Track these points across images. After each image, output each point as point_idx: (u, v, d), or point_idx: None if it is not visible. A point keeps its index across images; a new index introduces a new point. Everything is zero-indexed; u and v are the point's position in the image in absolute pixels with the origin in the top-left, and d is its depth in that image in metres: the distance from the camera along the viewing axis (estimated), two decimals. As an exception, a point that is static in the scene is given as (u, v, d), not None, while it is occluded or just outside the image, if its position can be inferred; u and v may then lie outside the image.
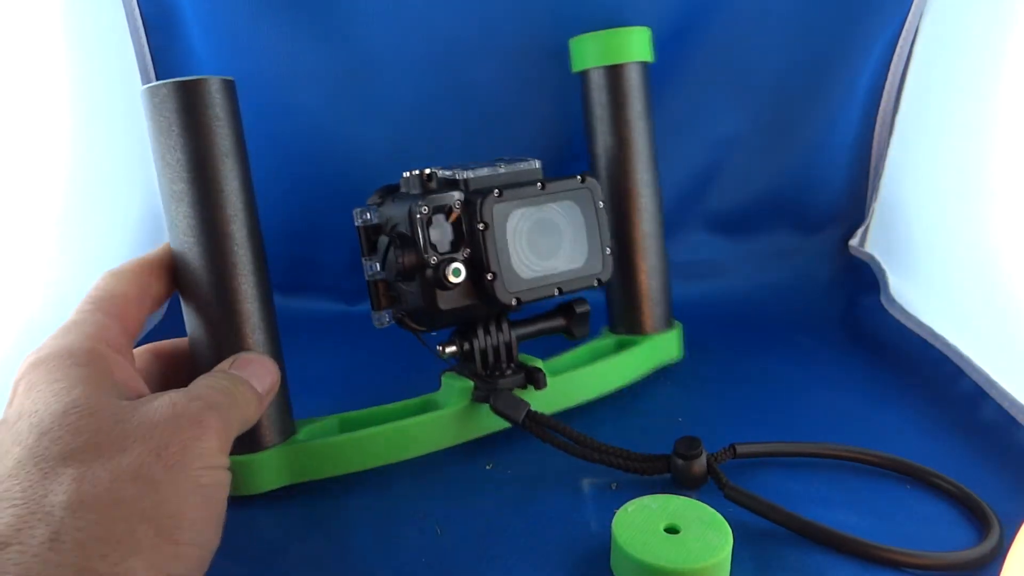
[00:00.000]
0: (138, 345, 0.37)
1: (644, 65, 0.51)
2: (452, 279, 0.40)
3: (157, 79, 0.63)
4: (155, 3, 0.61)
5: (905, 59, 0.63)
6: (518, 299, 0.41)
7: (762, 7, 0.61)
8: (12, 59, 0.49)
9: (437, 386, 0.45)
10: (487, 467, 0.42)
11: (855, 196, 0.67)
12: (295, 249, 0.66)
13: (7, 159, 0.48)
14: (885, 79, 0.64)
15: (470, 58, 0.62)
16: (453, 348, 0.43)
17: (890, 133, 0.65)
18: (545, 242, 0.42)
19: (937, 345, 0.51)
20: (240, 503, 0.37)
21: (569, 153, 0.64)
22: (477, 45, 0.62)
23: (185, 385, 0.33)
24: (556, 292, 0.42)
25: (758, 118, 0.65)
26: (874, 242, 0.67)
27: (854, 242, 0.68)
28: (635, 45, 0.51)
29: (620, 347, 0.52)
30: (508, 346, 0.44)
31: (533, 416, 0.41)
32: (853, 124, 0.65)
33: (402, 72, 0.62)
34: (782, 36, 0.62)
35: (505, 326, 0.44)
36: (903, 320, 0.56)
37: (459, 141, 0.65)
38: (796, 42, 0.62)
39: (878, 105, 0.65)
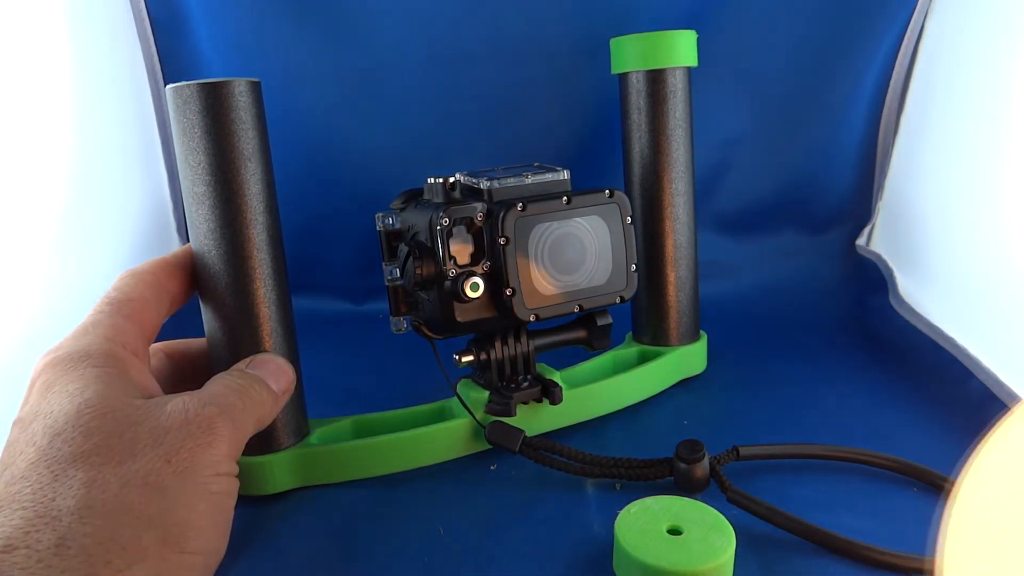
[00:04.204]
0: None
1: (687, 70, 0.49)
2: (470, 293, 0.39)
3: (165, 80, 0.63)
4: (163, 4, 0.61)
5: (910, 58, 0.63)
6: (536, 315, 0.40)
7: (767, 8, 0.61)
8: (18, 59, 0.49)
9: (447, 389, 0.44)
10: (491, 468, 0.42)
11: (861, 195, 0.67)
12: (302, 248, 0.66)
13: (12, 159, 0.48)
14: (890, 78, 0.64)
15: (479, 59, 0.62)
16: (470, 357, 0.43)
17: (895, 132, 0.65)
18: (568, 257, 0.41)
19: (945, 346, 0.50)
20: (245, 500, 0.37)
21: (570, 155, 0.64)
22: (485, 46, 0.61)
23: (197, 386, 0.33)
24: (576, 309, 0.41)
25: (763, 118, 0.65)
26: (880, 241, 0.67)
27: (861, 241, 0.67)
28: (681, 48, 0.48)
29: (643, 358, 0.51)
30: (526, 357, 0.44)
31: (529, 442, 0.40)
32: (858, 123, 0.65)
33: (411, 73, 0.62)
34: (787, 36, 0.62)
35: (523, 337, 0.44)
36: (911, 320, 0.56)
37: (468, 143, 0.65)
38: (801, 42, 0.62)
39: (883, 104, 0.65)
